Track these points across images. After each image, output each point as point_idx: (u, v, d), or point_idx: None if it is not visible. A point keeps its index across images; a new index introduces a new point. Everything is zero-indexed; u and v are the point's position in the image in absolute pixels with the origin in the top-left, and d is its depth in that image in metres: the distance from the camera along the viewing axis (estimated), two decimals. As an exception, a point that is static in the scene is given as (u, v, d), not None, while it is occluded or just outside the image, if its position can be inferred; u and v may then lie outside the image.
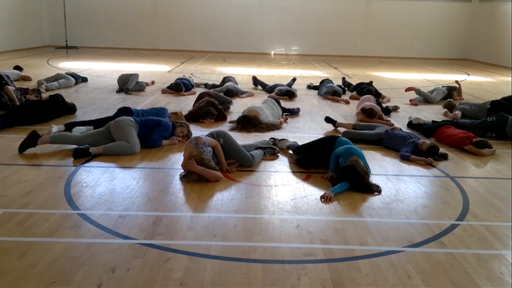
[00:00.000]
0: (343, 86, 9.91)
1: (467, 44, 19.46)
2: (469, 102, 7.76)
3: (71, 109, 6.81)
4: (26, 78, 9.90)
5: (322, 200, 3.92)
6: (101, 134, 5.13)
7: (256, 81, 10.07)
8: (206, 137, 4.52)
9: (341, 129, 6.23)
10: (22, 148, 4.89)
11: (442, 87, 9.41)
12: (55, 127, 5.65)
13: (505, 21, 16.87)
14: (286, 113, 7.24)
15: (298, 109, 7.55)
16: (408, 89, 9.33)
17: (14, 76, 9.45)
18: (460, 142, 5.61)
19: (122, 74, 9.27)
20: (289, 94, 8.86)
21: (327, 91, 9.08)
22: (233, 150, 4.71)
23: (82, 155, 4.77)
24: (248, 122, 6.15)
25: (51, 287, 2.54)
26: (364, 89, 8.77)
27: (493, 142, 5.70)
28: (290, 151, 5.19)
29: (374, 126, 6.02)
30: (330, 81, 9.89)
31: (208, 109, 6.63)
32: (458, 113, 7.33)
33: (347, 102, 8.61)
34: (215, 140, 4.58)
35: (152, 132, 5.28)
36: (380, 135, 5.65)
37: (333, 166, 4.49)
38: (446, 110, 7.79)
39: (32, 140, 4.89)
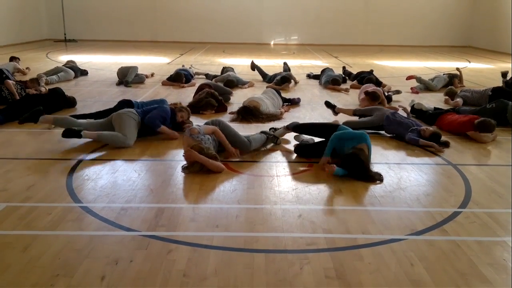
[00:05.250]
0: (343, 75, 9.86)
1: (468, 31, 19.33)
2: (470, 89, 7.73)
3: (71, 102, 6.80)
4: (22, 72, 9.80)
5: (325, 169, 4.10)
6: (103, 125, 5.10)
7: (254, 66, 9.98)
8: (200, 126, 4.50)
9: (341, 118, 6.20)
10: (22, 120, 4.81)
11: (443, 74, 9.37)
12: None
13: (506, 8, 16.74)
14: (287, 103, 7.22)
15: (299, 99, 7.52)
16: (409, 78, 9.28)
17: (11, 68, 9.37)
18: (462, 127, 5.58)
19: (121, 67, 9.23)
20: (285, 80, 8.75)
21: (327, 80, 9.05)
22: (229, 136, 4.69)
23: (72, 135, 4.67)
24: (249, 113, 6.13)
25: (55, 279, 2.55)
26: (365, 78, 8.73)
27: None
28: (291, 135, 5.15)
29: (374, 111, 5.87)
30: (331, 70, 9.83)
31: (208, 100, 6.61)
32: (459, 100, 7.30)
33: (347, 91, 8.58)
34: (211, 126, 4.57)
35: (149, 113, 5.21)
36: (380, 121, 5.60)
37: (330, 149, 4.37)
38: (447, 97, 7.76)
39: (34, 115, 4.80)
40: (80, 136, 4.72)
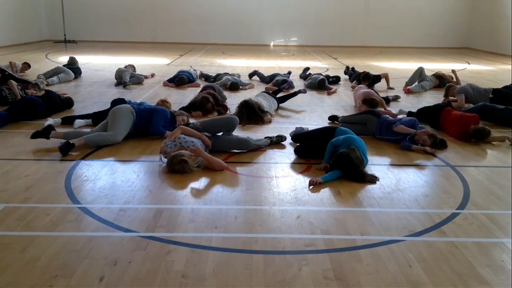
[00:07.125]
0: (346, 75, 10.16)
1: (467, 32, 19.37)
2: (473, 85, 7.59)
3: (68, 103, 6.80)
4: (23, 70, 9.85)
5: (310, 185, 3.98)
6: (106, 127, 5.12)
7: (253, 73, 10.04)
8: (164, 143, 4.53)
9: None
10: (34, 136, 4.88)
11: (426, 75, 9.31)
12: (51, 120, 5.67)
13: (505, 10, 16.77)
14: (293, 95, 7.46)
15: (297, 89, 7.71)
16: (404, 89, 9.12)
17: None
18: (461, 135, 5.57)
19: (119, 68, 9.30)
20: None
21: (313, 83, 9.06)
22: (211, 126, 4.87)
23: (68, 149, 4.69)
24: (250, 108, 6.09)
25: (54, 280, 2.55)
26: (360, 75, 8.82)
27: (494, 131, 5.66)
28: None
29: (362, 117, 5.76)
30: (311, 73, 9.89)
31: (207, 98, 6.58)
32: (462, 97, 7.21)
33: (330, 93, 8.58)
34: (175, 130, 4.65)
35: (151, 120, 5.24)
36: (372, 133, 5.54)
37: (328, 156, 4.44)
38: (449, 98, 7.71)
39: (45, 132, 4.90)
40: (73, 145, 4.74)
